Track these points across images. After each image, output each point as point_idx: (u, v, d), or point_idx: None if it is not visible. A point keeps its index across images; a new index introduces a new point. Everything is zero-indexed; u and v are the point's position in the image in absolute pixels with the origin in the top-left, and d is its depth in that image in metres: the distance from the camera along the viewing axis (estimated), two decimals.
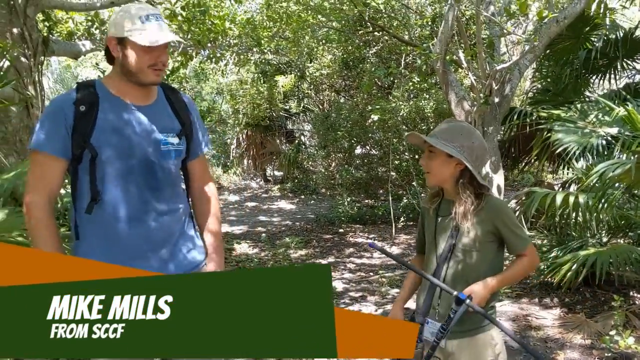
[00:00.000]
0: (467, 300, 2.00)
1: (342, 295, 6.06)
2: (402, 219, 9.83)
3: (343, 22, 10.43)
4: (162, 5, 8.49)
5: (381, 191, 11.12)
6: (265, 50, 11.97)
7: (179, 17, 8.40)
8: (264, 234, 9.17)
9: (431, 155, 2.16)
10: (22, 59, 6.01)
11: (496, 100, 6.48)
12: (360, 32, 10.68)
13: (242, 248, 8.36)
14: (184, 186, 2.25)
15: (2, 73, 4.37)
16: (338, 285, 6.37)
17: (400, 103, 9.18)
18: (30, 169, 1.94)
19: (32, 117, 6.08)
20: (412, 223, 9.73)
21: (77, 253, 1.97)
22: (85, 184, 1.94)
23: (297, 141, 16.13)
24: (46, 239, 1.86)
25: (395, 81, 10.85)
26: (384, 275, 6.61)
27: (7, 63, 5.90)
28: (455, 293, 2.03)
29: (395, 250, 8.05)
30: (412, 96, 10.14)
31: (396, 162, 10.32)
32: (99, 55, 11.13)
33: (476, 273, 2.13)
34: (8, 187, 3.55)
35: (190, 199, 2.25)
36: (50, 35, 7.56)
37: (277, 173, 16.97)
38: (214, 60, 10.17)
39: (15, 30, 5.94)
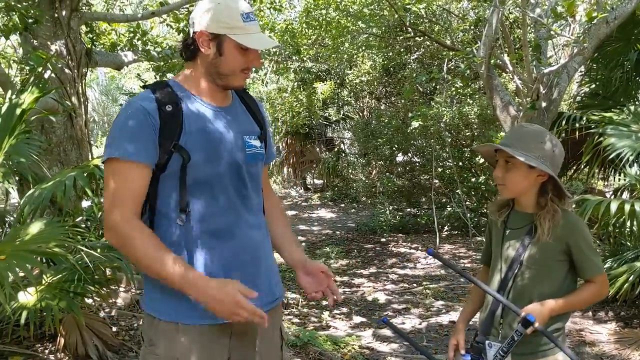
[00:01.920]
0: (536, 324, 1.83)
1: (385, 307, 5.90)
2: (446, 228, 9.59)
3: (383, 28, 10.31)
4: None
5: (424, 199, 10.90)
6: (305, 58, 11.94)
7: None
8: (303, 243, 9.06)
9: (509, 167, 1.95)
10: (66, 70, 6.08)
11: (543, 104, 6.23)
12: (400, 37, 10.54)
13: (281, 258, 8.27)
14: None
15: (45, 84, 4.39)
16: (380, 297, 6.21)
17: (443, 109, 8.97)
18: (112, 182, 1.66)
19: (75, 128, 6.15)
20: (456, 232, 9.48)
21: (155, 280, 1.70)
22: (170, 194, 1.70)
23: (336, 149, 16.02)
24: (167, 259, 1.61)
25: (438, 87, 10.65)
26: (428, 287, 6.41)
27: (51, 74, 6.00)
28: (523, 314, 1.86)
29: (439, 261, 7.82)
30: (455, 102, 9.91)
31: (439, 169, 10.09)
32: (141, 66, 11.27)
33: (541, 294, 1.95)
34: (46, 196, 3.53)
35: None
36: (94, 47, 7.66)
37: (317, 181, 16.89)
38: (254, 69, 10.18)
39: (59, 42, 6.02)
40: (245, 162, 1.79)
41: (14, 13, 4.62)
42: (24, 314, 3.16)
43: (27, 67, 4.65)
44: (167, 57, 7.22)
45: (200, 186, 1.71)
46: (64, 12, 6.04)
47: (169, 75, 7.50)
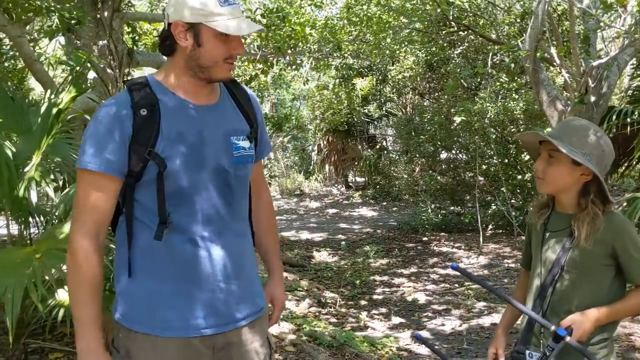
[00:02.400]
0: (567, 338, 1.70)
1: (425, 308, 5.77)
2: (490, 227, 9.35)
3: (426, 22, 10.12)
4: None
5: (468, 197, 10.66)
6: (346, 55, 11.84)
7: (260, 24, 8.41)
8: (343, 242, 8.98)
9: (552, 161, 1.82)
10: (108, 70, 6.17)
11: (592, 99, 5.97)
12: (444, 32, 10.32)
13: (322, 256, 8.21)
14: None
15: (83, 83, 4.44)
16: (420, 298, 6.08)
17: (487, 104, 8.73)
18: (77, 194, 1.58)
19: None
20: (501, 231, 9.23)
21: (132, 291, 1.62)
22: (148, 204, 1.58)
23: (378, 146, 15.87)
24: (86, 308, 1.55)
25: (482, 82, 10.38)
26: (470, 287, 6.24)
27: (93, 74, 6.09)
28: (553, 328, 1.73)
29: (482, 260, 7.62)
30: (500, 97, 9.64)
31: (484, 166, 9.85)
32: None
33: (585, 301, 1.81)
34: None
35: None
36: (135, 47, 7.76)
37: (358, 179, 16.78)
38: (294, 67, 10.15)
39: (101, 43, 6.12)
40: (231, 166, 1.66)
41: (54, 15, 4.68)
42: (62, 311, 3.20)
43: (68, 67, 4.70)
44: None
45: (181, 195, 1.58)
46: (105, 13, 6.12)
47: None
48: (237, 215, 1.70)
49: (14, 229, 3.73)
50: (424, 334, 4.94)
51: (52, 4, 4.76)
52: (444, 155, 11.40)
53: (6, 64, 7.36)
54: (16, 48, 4.44)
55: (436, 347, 4.57)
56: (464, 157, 10.85)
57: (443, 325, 5.22)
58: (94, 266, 1.54)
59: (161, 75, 1.64)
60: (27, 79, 8.42)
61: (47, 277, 2.82)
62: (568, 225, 1.86)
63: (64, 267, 3.32)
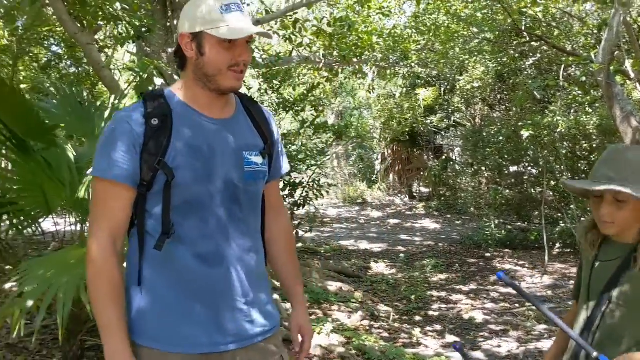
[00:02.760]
0: None
1: (481, 327, 5.58)
2: (557, 245, 8.96)
3: (497, 32, 9.86)
4: (308, 22, 8.59)
5: (535, 213, 10.27)
6: (414, 64, 11.71)
7: (326, 33, 8.44)
8: (402, 254, 8.84)
9: (621, 205, 1.67)
10: (175, 77, 6.34)
11: None
12: (515, 42, 10.03)
13: (379, 267, 8.11)
14: None
15: (145, 88, 4.57)
16: (477, 316, 5.88)
17: (558, 118, 8.39)
18: (92, 202, 1.59)
19: None
20: (568, 250, 8.83)
21: (140, 303, 1.59)
22: (156, 215, 1.57)
23: (444, 157, 15.58)
24: (108, 311, 1.51)
25: (557, 94, 10.01)
26: (531, 309, 5.98)
27: (160, 81, 6.28)
28: (595, 354, 1.61)
29: (546, 280, 7.31)
30: (572, 111, 9.25)
31: (552, 182, 9.46)
32: (247, 72, 11.58)
33: (636, 336, 1.68)
34: None
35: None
36: None
37: (423, 190, 16.53)
38: (359, 75, 10.12)
39: (170, 50, 6.30)
40: (242, 181, 1.63)
41: (120, 23, 4.86)
42: None
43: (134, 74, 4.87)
44: (270, 64, 7.33)
45: (188, 207, 1.57)
46: (175, 21, 6.31)
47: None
48: (246, 232, 1.67)
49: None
50: (478, 355, 4.78)
51: (122, 13, 4.94)
52: (511, 168, 11.06)
53: (80, 69, 7.73)
54: (85, 55, 4.62)
55: None
56: (533, 171, 10.47)
57: (499, 346, 5.02)
58: (112, 270, 1.53)
59: (177, 88, 1.65)
60: (99, 84, 8.81)
61: None
62: (623, 254, 1.73)
63: None
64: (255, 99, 1.84)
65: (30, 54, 7.80)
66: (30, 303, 2.69)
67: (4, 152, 3.76)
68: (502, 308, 6.24)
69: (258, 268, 1.71)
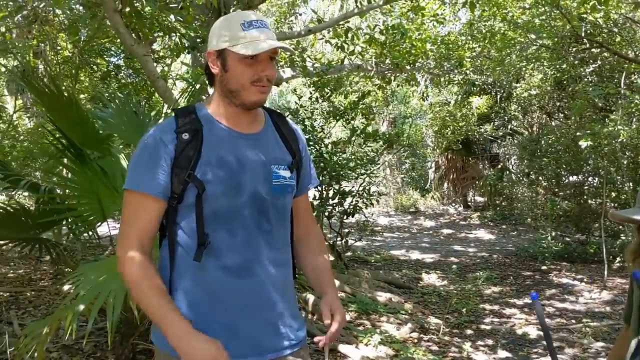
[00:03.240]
0: None
1: (535, 343, 5.40)
2: (618, 259, 8.59)
3: (555, 39, 9.59)
4: (361, 30, 8.59)
5: (596, 225, 9.89)
6: (469, 71, 11.52)
7: (378, 41, 8.41)
8: (455, 265, 8.68)
9: None
10: None
11: None
12: (574, 49, 9.72)
13: (430, 278, 7.99)
14: None
15: (195, 97, 4.67)
16: (531, 332, 5.70)
17: (619, 127, 8.06)
18: (123, 212, 1.65)
19: None
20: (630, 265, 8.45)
21: None
22: (189, 227, 1.62)
23: (500, 166, 15.23)
24: (157, 302, 1.55)
25: (618, 102, 9.64)
26: (589, 325, 5.75)
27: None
28: None
29: (605, 296, 7.02)
30: (635, 119, 8.88)
31: (613, 193, 9.10)
32: (298, 81, 11.68)
33: None
34: None
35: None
36: None
37: (478, 199, 16.20)
38: (412, 83, 10.03)
39: None
40: (269, 194, 1.67)
41: (175, 35, 4.99)
42: None
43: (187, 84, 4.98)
44: (321, 73, 7.35)
45: (217, 219, 1.60)
46: None
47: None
48: (274, 244, 1.69)
49: None
50: None
51: (177, 24, 5.06)
52: (570, 178, 10.69)
53: (137, 79, 7.97)
54: (141, 66, 4.76)
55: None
56: (593, 181, 10.09)
57: None
58: (144, 267, 1.57)
59: (207, 104, 1.71)
60: (155, 94, 9.07)
61: None
62: None
63: None
64: (283, 114, 1.88)
65: (92, 65, 8.11)
66: (82, 307, 2.78)
67: (64, 161, 3.93)
68: (557, 324, 6.03)
69: (286, 280, 1.74)
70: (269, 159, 1.69)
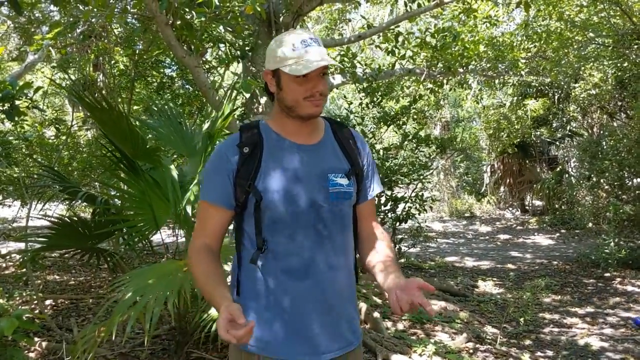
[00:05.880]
0: None
1: (598, 355, 5.16)
2: None
3: (616, 36, 9.23)
4: (412, 34, 8.49)
5: None
6: (524, 72, 11.22)
7: (429, 45, 8.30)
8: (512, 272, 8.43)
9: None
10: None
11: None
12: (636, 46, 9.33)
13: (487, 286, 7.78)
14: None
15: (259, 108, 4.71)
16: (594, 342, 5.46)
17: None
18: (196, 219, 1.88)
19: None
20: None
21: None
22: (251, 232, 1.77)
23: (559, 168, 14.76)
24: (209, 288, 1.69)
25: None
26: None
27: (265, 99, 6.45)
28: None
29: None
30: None
31: None
32: (346, 88, 11.65)
33: None
34: None
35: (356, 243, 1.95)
36: None
37: (536, 203, 15.74)
38: (464, 86, 9.85)
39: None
40: (326, 201, 1.76)
41: (225, 45, 5.04)
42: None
43: (235, 93, 5.02)
44: (370, 79, 7.30)
45: (276, 225, 1.73)
46: None
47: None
48: (332, 249, 1.77)
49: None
50: None
51: (227, 34, 5.12)
52: (634, 181, 10.24)
53: (190, 90, 8.12)
54: (193, 76, 4.83)
55: None
56: None
57: None
58: (200, 259, 1.75)
59: (269, 118, 1.85)
60: (207, 104, 9.22)
61: (189, 289, 2.98)
62: None
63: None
64: (344, 124, 1.97)
65: (146, 77, 8.32)
66: (130, 311, 2.83)
67: (121, 174, 4.02)
68: (622, 334, 5.76)
69: (344, 284, 1.81)
70: (326, 168, 1.79)
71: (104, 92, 8.03)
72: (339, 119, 7.68)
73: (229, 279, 1.88)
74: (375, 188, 1.96)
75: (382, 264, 1.80)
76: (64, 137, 7.48)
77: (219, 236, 1.81)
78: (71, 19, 5.04)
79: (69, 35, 6.28)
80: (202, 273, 1.73)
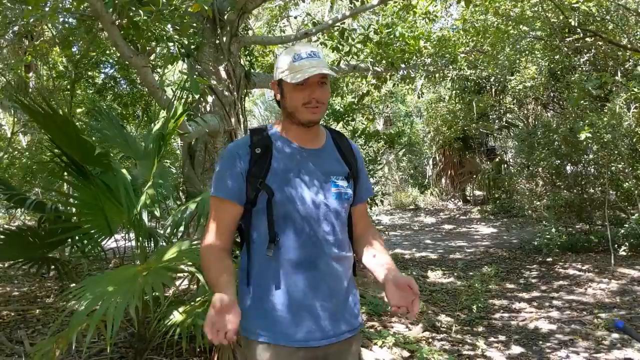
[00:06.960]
0: None
1: (548, 337, 5.37)
2: (623, 247, 8.59)
3: (548, 30, 9.58)
4: (355, 31, 8.56)
5: (598, 214, 9.88)
6: (463, 67, 11.51)
7: (372, 41, 8.38)
8: (460, 261, 8.65)
9: None
10: (226, 92, 6.39)
11: None
12: (568, 39, 9.72)
13: (436, 276, 7.96)
14: None
15: (186, 108, 4.63)
16: (543, 326, 5.68)
17: (618, 115, 8.05)
18: (210, 214, 2.01)
19: None
20: (636, 253, 8.45)
21: (246, 300, 1.96)
22: (262, 227, 1.93)
23: (498, 159, 15.23)
24: (210, 275, 1.89)
25: (614, 89, 9.64)
26: (600, 316, 5.74)
27: (212, 98, 6.35)
28: None
29: (614, 286, 7.00)
30: (633, 107, 8.88)
31: (617, 181, 9.08)
32: None
33: None
34: (188, 215, 3.69)
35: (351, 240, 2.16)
36: (252, 69, 8.01)
37: (477, 193, 16.19)
38: (407, 81, 10.00)
39: (220, 67, 6.35)
40: (330, 200, 1.96)
41: (172, 44, 4.93)
42: (178, 330, 3.33)
43: (185, 93, 4.92)
44: None
45: (285, 221, 1.91)
46: (224, 39, 6.35)
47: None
48: (334, 243, 1.96)
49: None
50: None
51: (173, 33, 5.01)
52: (569, 168, 10.68)
53: (134, 90, 7.89)
54: (140, 77, 4.71)
55: None
56: (593, 170, 10.08)
57: (568, 357, 4.82)
58: (210, 251, 1.93)
59: (277, 124, 2.07)
60: (154, 104, 9.01)
61: (151, 294, 2.90)
62: None
63: (168, 286, 3.47)
64: (342, 133, 2.19)
65: (87, 78, 8.03)
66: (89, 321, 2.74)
67: (70, 179, 3.87)
68: (568, 316, 6.01)
69: (345, 275, 2.01)
70: (329, 171, 2.00)
71: (42, 95, 7.70)
72: None
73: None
74: (368, 191, 2.19)
75: (379, 260, 2.02)
76: (1, 143, 7.13)
77: (229, 230, 1.97)
78: (7, 21, 4.80)
79: (2, 36, 5.99)
80: (208, 264, 1.90)
